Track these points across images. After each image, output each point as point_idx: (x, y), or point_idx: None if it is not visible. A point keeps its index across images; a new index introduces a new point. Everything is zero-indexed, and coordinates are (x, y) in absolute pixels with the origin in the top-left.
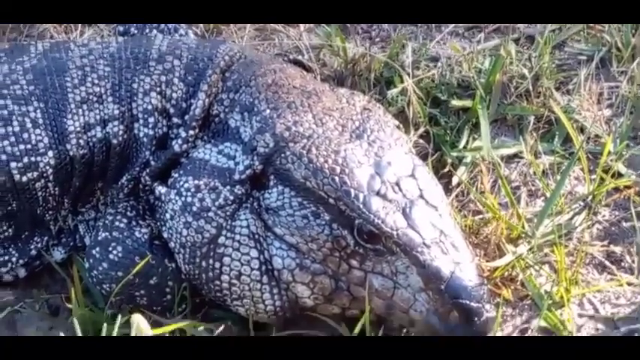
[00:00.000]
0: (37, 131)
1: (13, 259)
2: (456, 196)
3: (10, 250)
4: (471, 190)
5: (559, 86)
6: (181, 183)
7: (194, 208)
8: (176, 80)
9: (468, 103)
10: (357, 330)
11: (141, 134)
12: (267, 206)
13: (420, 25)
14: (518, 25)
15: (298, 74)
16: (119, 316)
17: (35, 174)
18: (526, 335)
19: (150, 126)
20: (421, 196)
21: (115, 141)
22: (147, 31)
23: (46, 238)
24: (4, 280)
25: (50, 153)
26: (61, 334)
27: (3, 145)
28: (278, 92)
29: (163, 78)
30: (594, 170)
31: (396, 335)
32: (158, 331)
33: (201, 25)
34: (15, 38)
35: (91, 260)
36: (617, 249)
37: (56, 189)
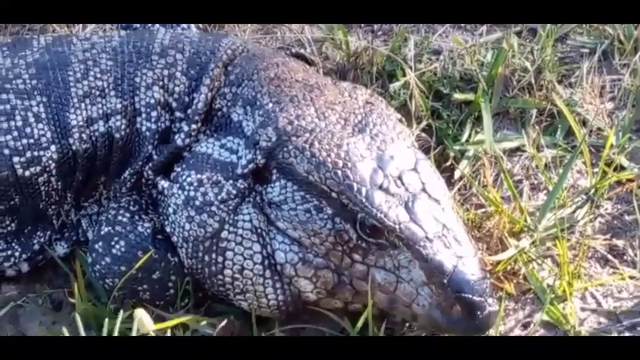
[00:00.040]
0: (40, 125)
1: (16, 254)
2: (459, 189)
3: (13, 244)
4: (473, 183)
5: (561, 79)
6: (184, 177)
7: (197, 203)
8: (178, 74)
9: (470, 96)
10: (359, 324)
11: (143, 128)
12: (270, 200)
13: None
14: None
15: (301, 68)
16: (121, 311)
17: (38, 168)
18: (526, 335)
19: (152, 120)
20: (423, 190)
21: (117, 135)
22: (149, 25)
23: (48, 233)
24: (7, 275)
25: (53, 147)
26: (64, 329)
27: (6, 139)
28: (280, 86)
29: (166, 72)
30: (597, 163)
31: (398, 329)
32: (161, 326)
33: None
34: (17, 32)
35: (93, 255)
36: (620, 242)
37: (59, 183)
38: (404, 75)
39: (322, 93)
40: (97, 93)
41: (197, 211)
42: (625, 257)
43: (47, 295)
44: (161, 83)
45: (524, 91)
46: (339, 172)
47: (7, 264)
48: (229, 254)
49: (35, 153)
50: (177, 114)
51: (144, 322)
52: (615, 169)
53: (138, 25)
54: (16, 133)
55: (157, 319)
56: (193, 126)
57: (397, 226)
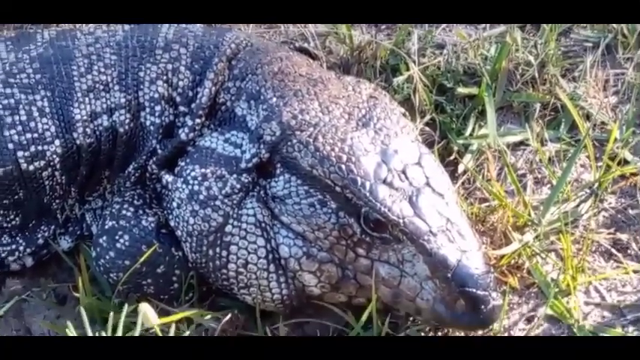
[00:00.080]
0: (44, 120)
1: (21, 248)
2: (462, 183)
3: (18, 239)
4: (477, 177)
5: (565, 73)
6: (188, 171)
7: (201, 197)
8: (182, 68)
9: (473, 90)
10: (363, 318)
11: (147, 123)
12: (274, 194)
13: None
14: None
15: (304, 62)
16: (126, 305)
17: (42, 163)
18: (528, 333)
19: (156, 114)
20: (427, 184)
21: (121, 129)
22: None
23: (53, 227)
24: (11, 269)
25: (57, 142)
26: (69, 323)
27: (10, 134)
28: (284, 80)
29: (170, 66)
30: (600, 157)
31: (402, 323)
32: (165, 320)
33: None
34: (21, 26)
35: (98, 249)
36: (624, 236)
37: (63, 178)
38: (407, 69)
39: (326, 87)
40: (101, 87)
41: (201, 205)
42: (629, 251)
43: (51, 290)
44: (165, 77)
45: (527, 85)
46: (343, 166)
47: (12, 258)
48: (233, 248)
49: (39, 147)
50: (181, 108)
51: (148, 317)
52: (619, 163)
53: None
54: (20, 128)
55: (162, 313)
56: (197, 120)
57: (401, 220)
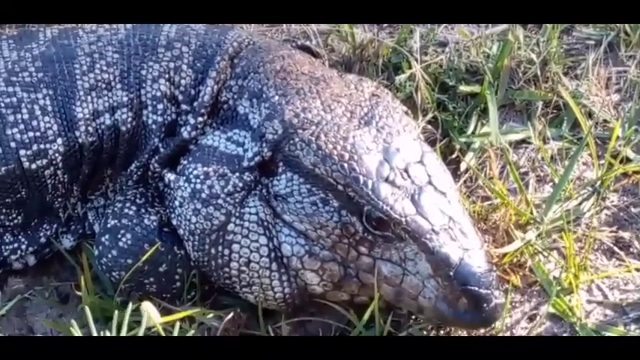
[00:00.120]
0: (46, 119)
1: (23, 247)
2: (465, 182)
3: (20, 237)
4: (479, 175)
5: (567, 71)
6: (190, 170)
7: (203, 195)
8: (185, 67)
9: (476, 88)
10: (366, 317)
11: (149, 121)
12: (276, 193)
13: None
14: None
15: (307, 60)
16: (130, 305)
17: (44, 161)
18: (530, 332)
19: (158, 113)
20: (430, 183)
21: (123, 128)
22: None
23: (55, 226)
24: (13, 268)
25: (59, 140)
26: (73, 322)
27: (12, 132)
28: (286, 78)
29: (172, 65)
30: (603, 155)
31: (404, 322)
32: (168, 319)
33: None
34: (23, 24)
35: (100, 248)
36: (626, 235)
37: (65, 176)
38: (410, 67)
39: (328, 85)
40: (104, 86)
41: (203, 203)
42: (631, 249)
43: (54, 288)
44: (167, 76)
45: (530, 83)
46: (346, 164)
47: (14, 257)
48: (235, 247)
49: (41, 146)
50: (184, 107)
51: (151, 315)
52: (621, 161)
53: None
54: (22, 126)
55: (164, 311)
56: (199, 119)
57: (403, 219)
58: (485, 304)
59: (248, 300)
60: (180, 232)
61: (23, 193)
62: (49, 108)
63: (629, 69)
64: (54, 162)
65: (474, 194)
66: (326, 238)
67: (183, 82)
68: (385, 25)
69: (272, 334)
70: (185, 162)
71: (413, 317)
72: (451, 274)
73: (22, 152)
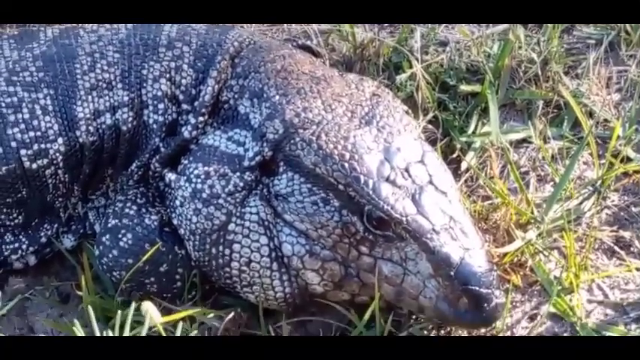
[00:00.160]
0: (47, 118)
1: (23, 247)
2: (465, 181)
3: (21, 237)
4: (480, 175)
5: (568, 70)
6: (191, 170)
7: (204, 195)
8: (185, 66)
9: (476, 87)
10: (366, 316)
11: (150, 121)
12: (277, 193)
13: None
14: None
15: (307, 60)
16: (132, 305)
17: (45, 161)
18: (530, 331)
19: (159, 112)
20: (430, 182)
21: (124, 128)
22: None
23: (56, 226)
24: (14, 268)
25: (60, 140)
26: (76, 321)
27: (13, 132)
28: (287, 78)
29: (173, 64)
30: (603, 155)
31: (405, 322)
32: (168, 319)
33: None
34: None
35: (100, 247)
36: (627, 234)
37: (66, 176)
38: (410, 67)
39: (329, 85)
40: (104, 85)
41: (204, 203)
42: (632, 249)
43: (54, 288)
44: (168, 75)
45: (530, 83)
46: (346, 164)
47: (15, 256)
48: (236, 247)
49: (42, 145)
50: (184, 106)
51: (151, 315)
52: (622, 161)
53: None
54: (23, 126)
55: (164, 311)
56: (200, 118)
57: (404, 219)
58: (485, 304)
59: (249, 300)
60: (181, 231)
61: (24, 192)
62: (50, 107)
63: (630, 68)
64: (55, 162)
65: (474, 194)
66: (327, 237)
67: (184, 81)
68: (386, 24)
69: (273, 334)
70: (186, 162)
71: (413, 317)
72: (452, 273)
73: (22, 152)
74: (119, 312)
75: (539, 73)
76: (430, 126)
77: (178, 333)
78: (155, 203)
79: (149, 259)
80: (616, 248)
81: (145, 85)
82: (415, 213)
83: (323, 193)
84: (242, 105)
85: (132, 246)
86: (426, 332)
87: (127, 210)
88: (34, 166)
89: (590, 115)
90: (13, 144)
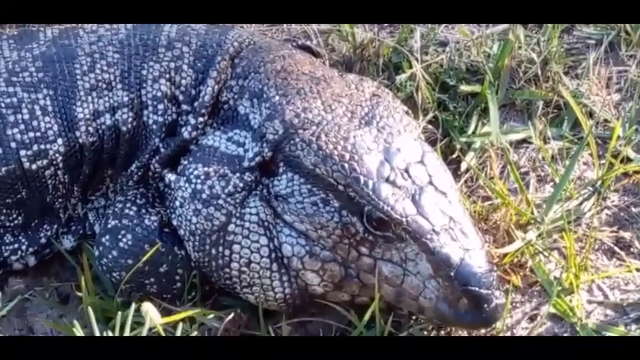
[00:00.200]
0: (47, 119)
1: (23, 247)
2: (465, 181)
3: (20, 238)
4: (479, 175)
5: (568, 71)
6: (191, 170)
7: (203, 196)
8: (185, 67)
9: (476, 88)
10: (366, 317)
11: (150, 121)
12: (277, 193)
13: None
14: None
15: (307, 60)
16: (132, 305)
17: (45, 162)
18: (528, 334)
19: (159, 113)
20: (430, 183)
21: (124, 128)
22: None
23: (55, 226)
24: (14, 268)
25: (60, 140)
26: (76, 322)
27: (12, 132)
28: (287, 78)
29: (172, 65)
30: (603, 155)
31: (405, 322)
32: (168, 320)
33: None
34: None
35: (100, 248)
36: (627, 235)
37: (66, 177)
38: (410, 67)
39: (329, 85)
40: (104, 86)
41: (204, 204)
42: (632, 249)
43: (54, 289)
44: (168, 76)
45: (530, 83)
46: (346, 164)
47: (14, 257)
48: (236, 247)
49: (42, 146)
50: (184, 107)
51: (151, 316)
52: (622, 161)
53: None
54: (22, 127)
55: (164, 312)
56: (200, 119)
57: (404, 219)
58: (485, 305)
59: (248, 300)
60: (181, 232)
61: (24, 193)
62: (50, 108)
63: (630, 68)
64: (54, 162)
65: (474, 194)
66: (327, 238)
67: (183, 82)
68: (386, 24)
69: (273, 335)
70: (186, 162)
71: (413, 318)
72: (452, 274)
73: (22, 152)
74: (119, 313)
75: (539, 73)
76: (430, 126)
77: (178, 334)
78: (155, 204)
79: (149, 260)
80: (616, 249)
81: (144, 85)
82: (415, 214)
83: (323, 193)
84: (242, 105)
85: (132, 247)
86: (425, 333)
87: (126, 211)
88: (34, 166)
89: (590, 115)
90: (13, 144)
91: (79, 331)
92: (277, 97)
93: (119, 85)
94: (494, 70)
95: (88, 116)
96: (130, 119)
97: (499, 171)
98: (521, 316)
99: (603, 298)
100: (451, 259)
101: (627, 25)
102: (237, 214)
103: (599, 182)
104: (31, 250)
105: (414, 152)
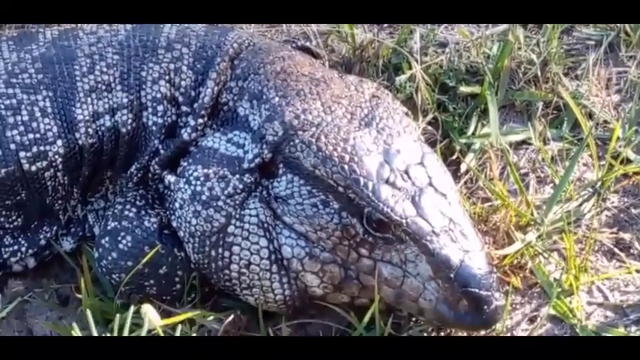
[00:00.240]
0: (46, 120)
1: (23, 249)
2: (465, 183)
3: (20, 239)
4: (479, 177)
5: (567, 72)
6: (190, 172)
7: (203, 197)
8: (185, 68)
9: (476, 89)
10: (366, 319)
11: (150, 123)
12: (277, 195)
13: None
14: None
15: (307, 61)
16: (131, 307)
17: (44, 163)
18: (528, 335)
19: (159, 114)
20: (430, 184)
21: (123, 130)
22: None
23: (55, 228)
24: (13, 270)
25: (59, 142)
26: (74, 324)
27: (12, 134)
28: (287, 80)
29: (172, 66)
30: (603, 156)
31: (405, 324)
32: (168, 321)
33: None
34: (23, 25)
35: (100, 250)
36: (627, 236)
37: (65, 178)
38: (410, 68)
39: (328, 87)
40: (104, 87)
41: (204, 205)
42: (632, 250)
43: (54, 290)
44: (167, 77)
45: (530, 84)
46: (346, 166)
47: (14, 259)
48: (236, 249)
49: (41, 148)
50: (184, 108)
51: (151, 318)
52: (622, 162)
53: None
54: (22, 128)
55: (164, 314)
56: (200, 120)
57: (404, 221)
58: (485, 306)
59: (248, 302)
60: (181, 234)
61: (23, 195)
62: (49, 110)
63: (630, 69)
64: (54, 164)
65: (474, 195)
66: (326, 239)
67: (183, 83)
68: (385, 25)
69: (272, 336)
70: (185, 164)
71: (413, 319)
72: (452, 276)
73: (21, 154)
74: (118, 315)
75: (539, 74)
76: (430, 127)
77: (177, 335)
78: (154, 205)
79: (148, 262)
80: (616, 250)
81: (144, 86)
82: (415, 215)
83: (322, 195)
84: (241, 107)
85: (131, 248)
86: (425, 334)
87: (126, 212)
88: (33, 168)
89: (590, 116)
90: (12, 146)
91: (78, 334)
92: (277, 99)
93: (119, 87)
94: (493, 71)
95: (87, 118)
96: (130, 121)
97: (499, 172)
98: (521, 318)
99: (603, 299)
100: (451, 260)
101: (627, 26)
102: (237, 216)
103: (599, 183)
104: (30, 251)
105: (414, 153)
